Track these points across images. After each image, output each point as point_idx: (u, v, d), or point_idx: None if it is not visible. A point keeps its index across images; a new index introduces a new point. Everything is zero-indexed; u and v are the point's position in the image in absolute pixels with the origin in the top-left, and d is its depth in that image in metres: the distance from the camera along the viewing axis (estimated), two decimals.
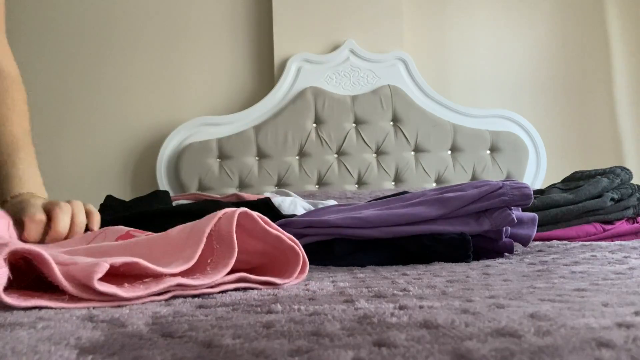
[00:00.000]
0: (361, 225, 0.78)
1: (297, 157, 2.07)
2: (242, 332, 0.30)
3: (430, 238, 0.77)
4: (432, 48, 2.30)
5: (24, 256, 0.40)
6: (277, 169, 2.04)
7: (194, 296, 0.45)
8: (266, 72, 2.25)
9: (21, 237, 0.67)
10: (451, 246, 0.75)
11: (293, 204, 1.21)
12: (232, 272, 0.48)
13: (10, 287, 0.39)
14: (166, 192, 1.34)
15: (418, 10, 2.29)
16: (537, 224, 0.86)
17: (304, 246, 0.79)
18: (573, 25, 2.32)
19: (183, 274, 0.46)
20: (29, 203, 0.69)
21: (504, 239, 0.81)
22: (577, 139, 2.28)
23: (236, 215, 0.49)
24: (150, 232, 0.58)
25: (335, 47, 2.15)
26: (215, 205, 1.11)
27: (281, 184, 2.05)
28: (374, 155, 2.08)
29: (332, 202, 1.31)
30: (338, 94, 2.11)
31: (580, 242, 1.04)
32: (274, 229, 0.53)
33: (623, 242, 1.00)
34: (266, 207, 1.11)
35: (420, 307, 0.36)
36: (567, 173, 1.44)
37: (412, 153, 2.08)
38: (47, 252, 0.40)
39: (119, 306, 0.41)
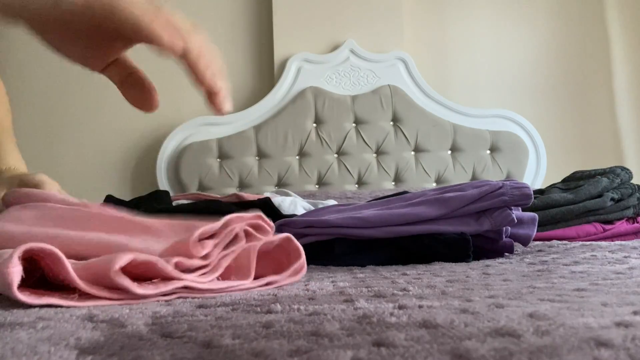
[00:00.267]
0: (361, 225, 0.78)
1: (297, 157, 2.07)
2: (241, 332, 0.30)
3: (430, 238, 0.77)
4: (432, 48, 2.30)
5: (30, 256, 0.40)
6: (277, 169, 2.04)
7: (194, 296, 0.45)
8: (266, 72, 2.25)
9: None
10: (451, 246, 0.75)
11: (293, 204, 1.21)
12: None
13: (20, 286, 0.39)
14: (166, 192, 1.34)
15: (418, 10, 2.29)
16: (537, 223, 0.86)
17: (304, 246, 0.80)
18: (573, 25, 2.32)
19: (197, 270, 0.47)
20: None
21: (504, 238, 0.81)
22: (577, 139, 2.28)
23: (256, 250, 0.50)
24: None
25: (335, 47, 2.15)
26: (215, 205, 1.11)
27: (281, 184, 2.05)
28: (374, 155, 2.08)
29: (332, 202, 1.31)
30: (338, 93, 2.11)
31: (580, 242, 1.04)
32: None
33: (623, 242, 1.00)
34: (266, 207, 1.11)
35: (420, 306, 0.36)
36: (567, 173, 1.44)
37: (412, 153, 2.08)
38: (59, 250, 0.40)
39: (127, 303, 0.42)
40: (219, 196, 1.36)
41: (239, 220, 0.51)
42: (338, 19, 2.18)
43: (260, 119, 2.10)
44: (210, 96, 0.51)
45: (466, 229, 0.77)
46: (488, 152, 2.09)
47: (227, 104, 0.51)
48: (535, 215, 0.86)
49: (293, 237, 0.54)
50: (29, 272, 0.42)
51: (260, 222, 0.52)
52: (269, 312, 0.37)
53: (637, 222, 1.20)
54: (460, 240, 0.75)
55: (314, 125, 2.09)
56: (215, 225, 0.49)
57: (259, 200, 1.15)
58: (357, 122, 2.09)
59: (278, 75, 2.14)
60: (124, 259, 0.40)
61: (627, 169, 1.27)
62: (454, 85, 2.28)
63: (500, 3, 2.32)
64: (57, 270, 0.41)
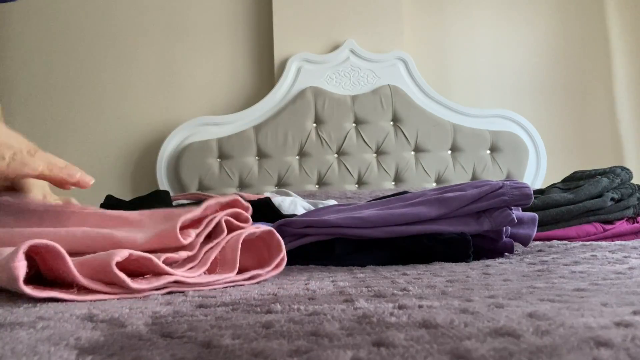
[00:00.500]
0: (361, 225, 0.78)
1: (297, 157, 2.07)
2: (241, 332, 0.30)
3: (430, 238, 0.77)
4: (432, 48, 2.30)
5: (27, 252, 0.41)
6: (277, 169, 2.04)
7: (194, 295, 0.46)
8: (266, 72, 2.25)
9: None
10: (451, 246, 0.75)
11: (293, 204, 1.21)
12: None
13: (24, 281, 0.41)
14: (166, 192, 1.34)
15: (418, 10, 2.29)
16: (537, 223, 0.86)
17: (304, 246, 0.80)
18: (573, 25, 2.32)
19: (186, 264, 0.49)
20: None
21: (504, 238, 0.81)
22: (577, 139, 2.28)
23: (240, 242, 0.53)
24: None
25: (335, 47, 2.15)
26: None
27: (281, 184, 2.05)
28: (374, 155, 2.08)
29: (332, 202, 1.31)
30: (338, 93, 2.11)
31: (581, 242, 1.04)
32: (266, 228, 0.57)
33: (623, 242, 1.00)
34: (266, 207, 1.11)
35: (420, 306, 0.36)
36: (567, 173, 1.44)
37: (412, 153, 2.08)
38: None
39: (123, 298, 0.43)
40: (219, 196, 1.36)
41: (217, 206, 0.53)
42: (338, 19, 2.18)
43: (260, 119, 2.10)
44: (73, 183, 0.63)
45: (466, 229, 0.77)
46: (488, 152, 2.09)
47: (86, 177, 0.65)
48: (535, 215, 0.86)
49: (275, 231, 0.57)
50: (29, 268, 0.43)
51: (238, 209, 0.55)
52: (269, 312, 0.37)
53: (637, 222, 1.20)
54: (460, 240, 0.75)
55: (314, 125, 2.09)
56: (196, 212, 0.51)
57: (259, 200, 1.15)
58: (357, 122, 2.09)
59: (278, 75, 2.14)
60: (121, 255, 0.42)
61: (627, 169, 1.26)
62: (454, 85, 2.28)
63: (500, 3, 2.32)
64: (57, 265, 0.42)
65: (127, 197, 1.39)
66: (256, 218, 1.09)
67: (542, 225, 1.16)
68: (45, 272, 0.45)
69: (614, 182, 1.20)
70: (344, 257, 0.79)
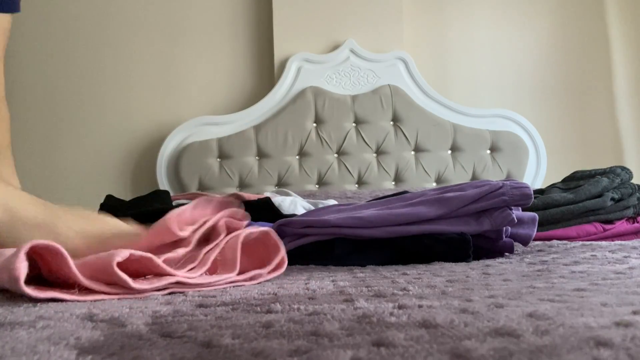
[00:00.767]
0: (361, 225, 0.78)
1: (297, 157, 2.07)
2: (241, 332, 0.30)
3: (430, 238, 0.77)
4: (432, 48, 2.30)
5: (28, 254, 0.41)
6: (277, 169, 2.04)
7: (194, 295, 0.46)
8: (266, 72, 2.25)
9: None
10: (451, 246, 0.75)
11: (293, 204, 1.21)
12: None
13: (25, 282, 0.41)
14: (166, 192, 1.34)
15: (418, 10, 2.29)
16: (537, 223, 0.86)
17: (304, 246, 0.80)
18: (573, 25, 2.32)
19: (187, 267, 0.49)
20: None
21: (504, 238, 0.81)
22: (577, 139, 2.28)
23: (239, 243, 0.53)
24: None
25: (335, 47, 2.15)
26: None
27: (281, 184, 2.05)
28: (374, 155, 2.08)
29: (332, 202, 1.31)
30: (338, 93, 2.11)
31: (581, 242, 1.04)
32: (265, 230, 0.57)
33: (623, 242, 1.00)
34: (266, 206, 1.11)
35: (420, 306, 0.36)
36: (567, 173, 1.44)
37: (412, 153, 2.08)
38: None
39: (124, 298, 0.43)
40: (219, 196, 1.36)
41: (207, 202, 0.54)
42: (338, 19, 2.18)
43: (261, 119, 2.10)
44: None
45: (466, 229, 0.77)
46: (488, 152, 2.09)
47: None
48: (535, 215, 0.86)
49: (273, 232, 0.58)
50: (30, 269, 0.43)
51: (233, 208, 0.56)
52: (269, 311, 0.37)
53: (637, 222, 1.20)
54: (460, 240, 0.75)
55: (314, 125, 2.09)
56: (187, 206, 0.52)
57: (259, 200, 1.15)
58: (357, 121, 2.09)
59: (278, 75, 2.14)
60: (121, 255, 0.42)
61: (627, 169, 1.26)
62: (454, 85, 2.28)
63: (500, 3, 2.32)
64: (59, 266, 0.42)
65: (127, 197, 1.39)
66: (256, 218, 1.09)
67: (542, 225, 1.16)
68: (46, 273, 0.45)
69: (614, 182, 1.20)
70: (344, 257, 0.79)
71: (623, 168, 1.26)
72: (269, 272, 0.56)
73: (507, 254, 0.83)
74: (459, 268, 0.65)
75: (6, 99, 0.90)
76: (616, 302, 0.36)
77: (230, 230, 0.55)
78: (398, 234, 0.77)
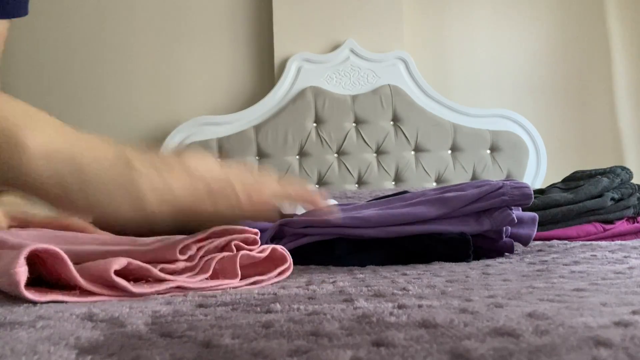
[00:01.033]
0: (361, 225, 0.78)
1: (297, 157, 2.07)
2: (241, 332, 0.30)
3: (430, 238, 0.77)
4: (432, 48, 2.30)
5: (29, 258, 0.41)
6: (277, 169, 2.04)
7: (193, 295, 0.46)
8: (266, 72, 2.25)
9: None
10: (451, 246, 0.75)
11: (293, 204, 1.21)
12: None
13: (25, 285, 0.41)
14: None
15: (418, 10, 2.29)
16: (537, 223, 0.86)
17: (304, 246, 0.79)
18: (573, 25, 2.32)
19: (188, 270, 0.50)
20: None
21: (504, 238, 0.81)
22: (577, 139, 2.28)
23: (238, 258, 0.52)
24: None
25: (335, 47, 2.15)
26: None
27: None
28: (374, 154, 2.08)
29: (332, 202, 1.31)
30: (338, 93, 2.11)
31: (581, 242, 1.04)
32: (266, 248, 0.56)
33: (623, 242, 1.00)
34: None
35: (419, 306, 0.36)
36: (567, 173, 1.44)
37: (412, 153, 2.08)
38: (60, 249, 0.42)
39: (122, 300, 0.43)
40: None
41: (225, 233, 0.53)
42: (338, 19, 2.18)
43: (261, 119, 2.10)
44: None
45: (466, 229, 0.77)
46: (488, 151, 2.09)
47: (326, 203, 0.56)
48: (535, 215, 0.86)
49: (279, 247, 0.57)
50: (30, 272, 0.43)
51: (247, 235, 0.54)
52: (269, 311, 0.37)
53: (637, 222, 1.20)
54: (460, 240, 0.75)
55: (314, 124, 2.09)
56: (200, 234, 0.51)
57: None
58: (357, 121, 2.09)
59: (278, 75, 2.14)
60: (119, 263, 0.42)
61: (627, 169, 1.26)
62: (454, 85, 2.28)
63: (500, 3, 2.32)
64: (59, 270, 0.42)
65: None
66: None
67: (542, 225, 1.16)
68: (46, 275, 0.45)
69: (614, 182, 1.20)
70: (344, 257, 0.79)
71: (623, 168, 1.26)
72: (271, 278, 0.55)
73: (507, 254, 0.83)
74: (459, 268, 0.65)
75: None
76: (616, 302, 0.36)
77: (239, 250, 0.55)
78: (398, 234, 0.77)
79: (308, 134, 2.06)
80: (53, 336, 0.30)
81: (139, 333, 0.31)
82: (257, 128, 2.07)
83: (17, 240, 0.52)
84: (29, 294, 0.40)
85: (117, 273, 0.43)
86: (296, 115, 2.07)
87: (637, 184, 1.23)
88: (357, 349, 0.26)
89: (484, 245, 0.80)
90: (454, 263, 0.72)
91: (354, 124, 2.09)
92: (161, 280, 0.46)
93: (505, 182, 0.79)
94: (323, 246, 0.81)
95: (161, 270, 0.47)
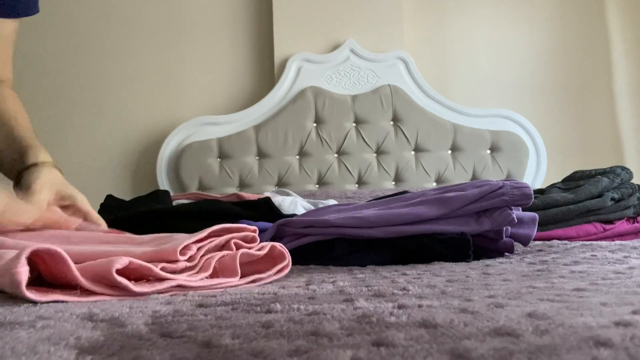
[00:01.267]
0: (361, 225, 0.78)
1: (297, 157, 2.07)
2: (241, 332, 0.30)
3: (430, 238, 0.77)
4: (432, 48, 2.30)
5: (29, 258, 0.42)
6: (277, 169, 2.04)
7: (193, 295, 0.46)
8: (266, 72, 2.25)
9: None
10: (451, 246, 0.75)
11: (293, 204, 1.22)
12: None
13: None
14: (166, 192, 1.34)
15: (418, 10, 2.29)
16: (537, 223, 0.86)
17: (304, 246, 0.79)
18: (573, 25, 2.32)
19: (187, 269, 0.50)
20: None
21: (504, 238, 0.81)
22: (577, 138, 2.28)
23: (238, 256, 0.53)
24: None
25: (335, 47, 2.15)
26: (215, 204, 1.11)
27: (281, 184, 2.05)
28: (374, 154, 2.08)
29: (332, 202, 1.31)
30: (338, 93, 2.11)
31: (581, 242, 1.04)
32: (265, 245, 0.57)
33: (623, 242, 1.00)
34: (266, 206, 1.11)
35: (419, 306, 0.36)
36: (567, 173, 1.44)
37: (413, 153, 2.08)
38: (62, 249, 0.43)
39: (123, 300, 0.43)
40: (219, 196, 1.36)
41: (224, 232, 0.54)
42: (338, 19, 2.18)
43: (261, 119, 2.10)
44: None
45: (466, 229, 0.77)
46: (488, 151, 2.09)
47: (70, 222, 0.69)
48: (535, 215, 0.86)
49: (277, 244, 0.57)
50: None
51: (246, 233, 0.56)
52: (269, 311, 0.37)
53: (637, 222, 1.20)
54: (460, 240, 0.75)
55: (314, 124, 2.09)
56: (199, 234, 0.52)
57: (259, 200, 1.15)
58: (357, 121, 2.09)
59: (278, 75, 2.14)
60: (121, 262, 0.43)
61: (627, 169, 1.26)
62: (454, 85, 2.28)
63: (500, 3, 2.32)
64: (60, 270, 0.42)
65: (127, 197, 1.39)
66: (256, 218, 1.09)
67: (542, 225, 1.16)
68: (47, 275, 0.45)
69: (614, 182, 1.20)
70: (344, 257, 0.79)
71: (623, 168, 1.26)
72: (270, 276, 0.56)
73: (507, 253, 0.83)
74: (459, 268, 0.65)
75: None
76: (616, 302, 0.36)
77: (238, 248, 0.55)
78: (398, 234, 0.77)
79: (308, 134, 2.06)
80: (53, 336, 0.30)
81: (139, 333, 0.31)
82: (257, 128, 2.07)
83: (15, 241, 0.53)
84: (30, 294, 0.40)
85: (118, 272, 0.43)
86: (296, 115, 2.07)
87: (637, 184, 1.23)
88: (357, 349, 0.26)
89: (484, 245, 0.80)
90: (454, 263, 0.72)
91: (354, 124, 2.09)
92: (162, 280, 0.47)
93: (505, 182, 0.79)
94: (323, 246, 0.81)
95: (162, 269, 0.47)
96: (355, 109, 2.08)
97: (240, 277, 0.52)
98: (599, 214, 1.18)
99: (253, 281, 0.53)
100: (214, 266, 0.51)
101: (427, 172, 2.06)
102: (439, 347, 0.25)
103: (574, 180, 1.32)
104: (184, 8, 2.27)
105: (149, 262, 0.47)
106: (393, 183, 2.08)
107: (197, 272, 0.50)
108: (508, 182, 0.79)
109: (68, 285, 0.44)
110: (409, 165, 2.06)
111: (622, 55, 2.31)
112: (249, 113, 2.10)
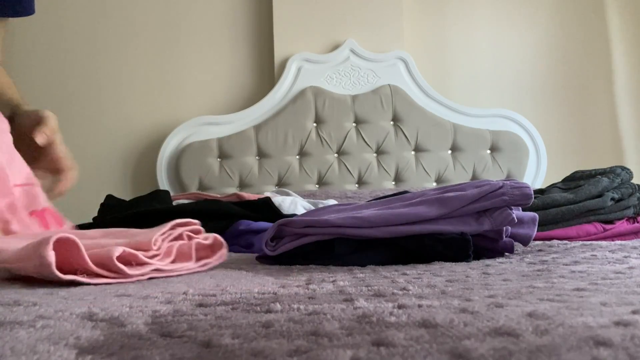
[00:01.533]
0: (361, 225, 0.78)
1: (297, 157, 2.07)
2: (241, 332, 0.30)
3: (430, 238, 0.76)
4: (432, 48, 2.30)
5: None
6: (277, 169, 2.04)
7: (193, 294, 0.46)
8: (266, 72, 2.25)
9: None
10: (451, 246, 0.75)
11: (293, 204, 1.22)
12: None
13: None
14: (166, 192, 1.35)
15: (418, 10, 2.29)
16: (537, 223, 0.86)
17: (304, 246, 0.79)
18: (573, 25, 2.32)
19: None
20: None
21: (504, 238, 0.81)
22: (577, 138, 2.28)
23: (194, 243, 0.68)
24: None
25: (335, 47, 2.15)
26: (215, 204, 1.11)
27: (281, 184, 2.05)
28: (374, 154, 2.08)
29: (332, 202, 1.31)
30: (338, 93, 2.11)
31: (581, 242, 1.04)
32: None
33: (623, 242, 1.00)
34: (266, 206, 1.11)
35: (419, 306, 0.36)
36: (567, 173, 1.44)
37: (413, 153, 2.08)
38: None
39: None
40: (219, 196, 1.36)
41: (183, 225, 0.68)
42: (338, 19, 2.18)
43: (261, 119, 2.10)
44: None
45: (466, 229, 0.77)
46: (488, 151, 2.09)
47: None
48: (535, 215, 0.86)
49: (218, 236, 0.72)
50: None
51: (197, 227, 0.71)
52: (269, 311, 0.37)
53: (638, 222, 1.20)
54: (460, 240, 0.75)
55: (314, 124, 2.09)
56: (165, 226, 0.65)
57: (259, 200, 1.15)
58: (358, 121, 2.09)
59: (278, 75, 2.14)
60: (119, 250, 0.55)
61: (628, 169, 1.26)
62: (454, 85, 2.28)
63: (500, 3, 2.32)
64: (71, 256, 0.52)
65: (127, 197, 1.39)
66: (256, 218, 1.09)
67: (542, 225, 1.15)
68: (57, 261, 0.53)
69: (614, 182, 1.20)
70: (344, 257, 0.79)
71: (623, 168, 1.26)
72: (215, 259, 0.70)
73: (507, 253, 0.83)
74: (459, 268, 0.65)
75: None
76: (616, 301, 0.36)
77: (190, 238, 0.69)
78: (398, 234, 0.77)
79: (308, 134, 2.06)
80: (53, 336, 0.30)
81: (139, 333, 0.31)
82: (257, 128, 2.07)
83: (13, 240, 0.61)
84: (59, 273, 0.49)
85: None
86: (296, 115, 2.07)
87: (637, 184, 1.23)
88: (357, 349, 0.26)
89: (484, 245, 0.80)
90: (454, 263, 0.72)
91: (354, 124, 2.09)
92: (143, 264, 0.58)
93: (505, 182, 0.79)
94: (323, 246, 0.81)
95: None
96: (355, 109, 2.08)
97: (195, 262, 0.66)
98: (599, 214, 1.18)
99: (204, 265, 0.67)
100: (175, 253, 0.64)
101: (427, 172, 2.06)
102: (439, 347, 0.25)
103: (574, 180, 1.32)
104: (184, 8, 2.27)
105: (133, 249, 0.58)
106: (393, 183, 2.08)
107: (162, 258, 0.61)
108: (508, 182, 0.79)
109: (70, 270, 0.51)
110: (409, 165, 2.06)
111: (622, 55, 2.31)
112: (249, 113, 2.10)
